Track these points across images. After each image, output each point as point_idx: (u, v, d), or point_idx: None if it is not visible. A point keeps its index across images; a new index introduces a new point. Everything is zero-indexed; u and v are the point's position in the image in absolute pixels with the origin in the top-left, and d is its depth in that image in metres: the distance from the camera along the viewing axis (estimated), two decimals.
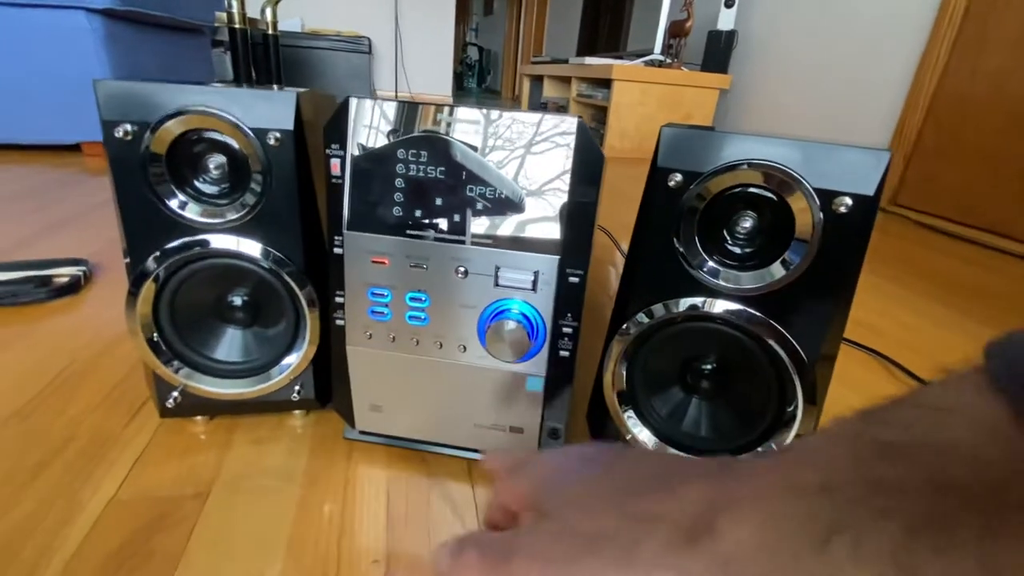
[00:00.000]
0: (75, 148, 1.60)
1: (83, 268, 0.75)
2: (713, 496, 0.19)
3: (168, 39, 1.79)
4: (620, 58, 2.58)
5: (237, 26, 1.73)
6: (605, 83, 2.45)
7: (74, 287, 0.73)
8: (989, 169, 1.46)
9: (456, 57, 4.29)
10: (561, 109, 2.95)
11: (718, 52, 2.36)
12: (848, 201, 0.32)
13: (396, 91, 3.60)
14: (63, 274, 0.73)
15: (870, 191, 0.32)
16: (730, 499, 0.19)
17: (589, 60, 2.60)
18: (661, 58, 2.44)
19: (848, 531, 0.16)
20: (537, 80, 3.43)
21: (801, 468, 0.19)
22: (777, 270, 0.35)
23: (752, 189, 0.35)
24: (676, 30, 2.37)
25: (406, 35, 3.51)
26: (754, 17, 2.30)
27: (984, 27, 1.48)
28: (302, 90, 0.42)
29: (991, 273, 1.20)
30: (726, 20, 2.32)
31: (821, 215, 0.33)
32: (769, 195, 0.35)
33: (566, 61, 2.93)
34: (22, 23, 1.42)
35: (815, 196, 0.33)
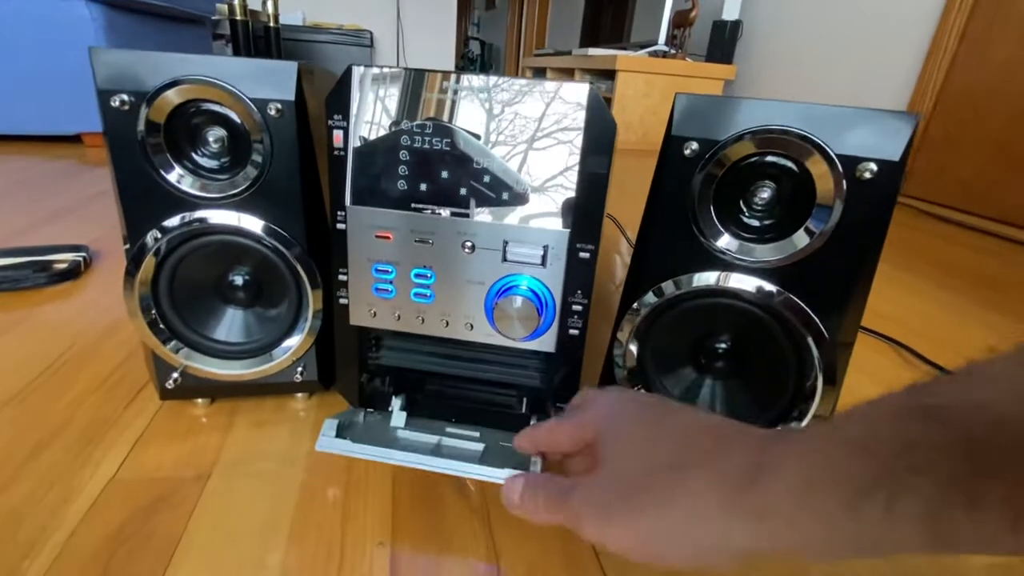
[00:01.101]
0: (76, 139, 1.59)
1: (83, 254, 0.74)
2: (759, 456, 0.20)
3: (169, 30, 1.78)
4: (624, 49, 2.55)
5: (238, 18, 1.72)
6: (609, 75, 2.43)
7: (74, 272, 0.72)
8: (999, 159, 1.44)
9: (458, 51, 4.27)
10: None
11: (723, 42, 2.34)
12: (873, 167, 0.31)
13: None
14: (63, 260, 0.72)
15: (896, 156, 0.31)
16: (774, 458, 0.20)
17: (592, 51, 2.58)
18: (665, 49, 2.41)
19: (883, 489, 0.17)
20: (540, 73, 3.41)
21: (844, 429, 0.19)
22: (800, 239, 0.34)
23: (771, 157, 0.34)
24: (680, 20, 2.34)
25: (408, 29, 3.49)
26: (759, 7, 2.28)
27: (993, 17, 1.46)
28: (304, 62, 0.41)
29: (1002, 262, 1.19)
30: (731, 10, 2.30)
31: (844, 182, 0.32)
32: (789, 163, 0.33)
33: (569, 53, 2.91)
34: (22, 13, 1.41)
35: (838, 162, 0.32)
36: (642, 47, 2.46)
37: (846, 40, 1.89)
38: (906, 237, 1.31)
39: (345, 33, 3.03)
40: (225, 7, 1.96)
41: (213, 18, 2.11)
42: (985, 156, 1.47)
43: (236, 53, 2.02)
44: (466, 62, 6.41)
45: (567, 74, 2.99)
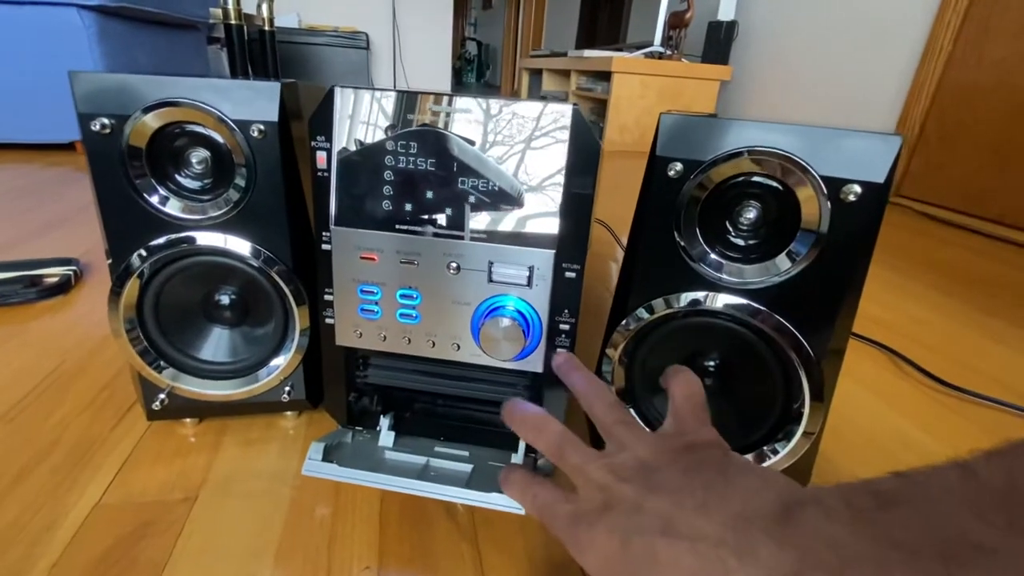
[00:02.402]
0: (69, 147, 1.59)
1: (73, 268, 0.74)
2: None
3: (163, 36, 1.78)
4: (620, 50, 2.55)
5: (233, 22, 1.71)
6: (605, 76, 2.42)
7: (64, 287, 0.72)
8: (996, 159, 1.44)
9: (455, 52, 4.26)
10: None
11: (718, 43, 2.34)
12: (857, 189, 0.31)
13: (395, 87, 3.57)
14: (53, 274, 0.71)
15: (880, 178, 0.31)
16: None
17: (588, 53, 2.58)
18: (661, 50, 2.41)
19: None
20: (536, 74, 3.41)
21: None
22: (783, 262, 0.33)
23: (756, 178, 0.33)
24: (676, 21, 2.34)
25: (404, 30, 3.48)
26: (755, 7, 2.28)
27: (989, 15, 1.46)
28: (287, 81, 0.40)
29: (1000, 264, 1.18)
30: (726, 10, 2.29)
31: (829, 204, 0.31)
32: (774, 184, 0.33)
33: (565, 54, 2.91)
34: (13, 21, 1.40)
35: (822, 184, 0.31)
36: (638, 48, 2.46)
37: (842, 40, 1.89)
38: (901, 239, 1.31)
39: (341, 35, 3.03)
40: (219, 11, 1.96)
41: (208, 22, 2.10)
42: (981, 156, 1.47)
43: (231, 58, 2.01)
44: (463, 63, 6.41)
45: (563, 75, 2.99)
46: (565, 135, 0.35)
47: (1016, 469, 0.17)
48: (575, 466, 0.29)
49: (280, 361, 0.45)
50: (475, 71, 6.69)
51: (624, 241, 1.06)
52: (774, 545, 0.20)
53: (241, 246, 0.41)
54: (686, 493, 0.24)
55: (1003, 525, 0.16)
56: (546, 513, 0.29)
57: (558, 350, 0.39)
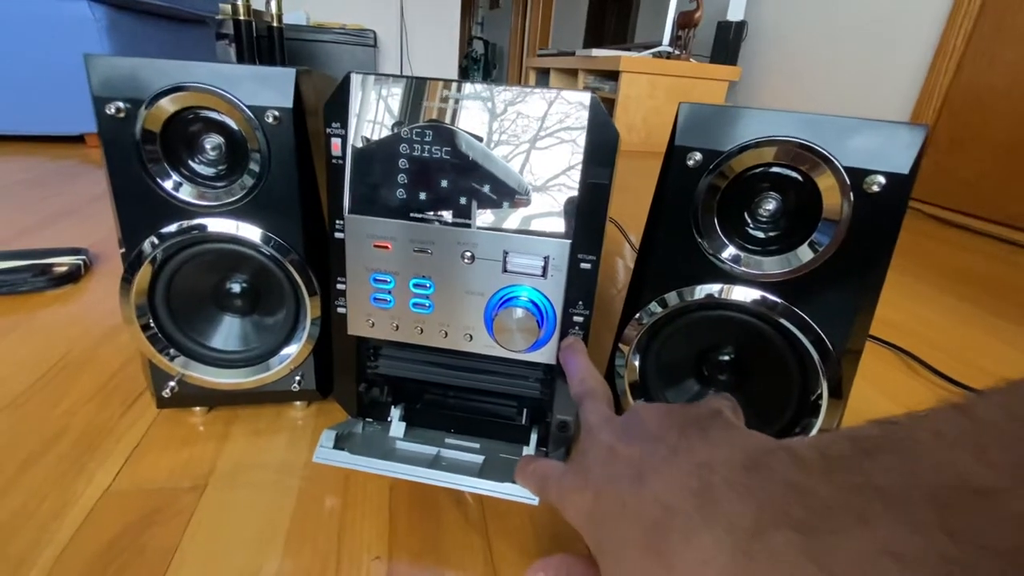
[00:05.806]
0: (78, 139, 1.59)
1: (83, 257, 0.74)
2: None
3: (172, 30, 1.78)
4: (628, 50, 2.54)
5: (242, 18, 1.71)
6: (612, 75, 2.42)
7: (73, 276, 0.72)
8: (1007, 162, 1.42)
9: (461, 51, 4.26)
10: None
11: (727, 43, 2.33)
12: (881, 180, 0.30)
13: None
14: (62, 263, 0.71)
15: (904, 169, 0.30)
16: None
17: (596, 52, 2.57)
18: (669, 50, 2.40)
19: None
20: (543, 73, 3.41)
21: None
22: (804, 253, 0.33)
23: (776, 168, 0.33)
24: (685, 21, 2.33)
25: (411, 29, 3.48)
26: (764, 7, 2.27)
27: (1001, 17, 1.45)
28: (303, 68, 0.40)
29: (1009, 268, 1.17)
30: (736, 10, 2.29)
31: (851, 195, 0.31)
32: (795, 175, 0.33)
33: (573, 53, 2.90)
34: (25, 13, 1.41)
35: (845, 175, 0.31)
36: (646, 48, 2.45)
37: (852, 41, 1.88)
38: (911, 241, 1.30)
39: (348, 33, 3.03)
40: (228, 7, 1.96)
41: (216, 18, 2.11)
42: (993, 159, 1.46)
43: (239, 53, 2.02)
44: (470, 62, 6.40)
45: (571, 75, 2.98)
46: (583, 124, 0.34)
47: (1018, 405, 0.15)
48: (584, 412, 0.29)
49: (291, 350, 0.44)
50: (482, 70, 6.68)
51: (633, 239, 1.06)
52: (734, 495, 0.18)
53: (253, 233, 0.40)
54: (660, 442, 0.23)
55: (1007, 465, 0.14)
56: (542, 482, 0.29)
57: (570, 334, 0.39)
